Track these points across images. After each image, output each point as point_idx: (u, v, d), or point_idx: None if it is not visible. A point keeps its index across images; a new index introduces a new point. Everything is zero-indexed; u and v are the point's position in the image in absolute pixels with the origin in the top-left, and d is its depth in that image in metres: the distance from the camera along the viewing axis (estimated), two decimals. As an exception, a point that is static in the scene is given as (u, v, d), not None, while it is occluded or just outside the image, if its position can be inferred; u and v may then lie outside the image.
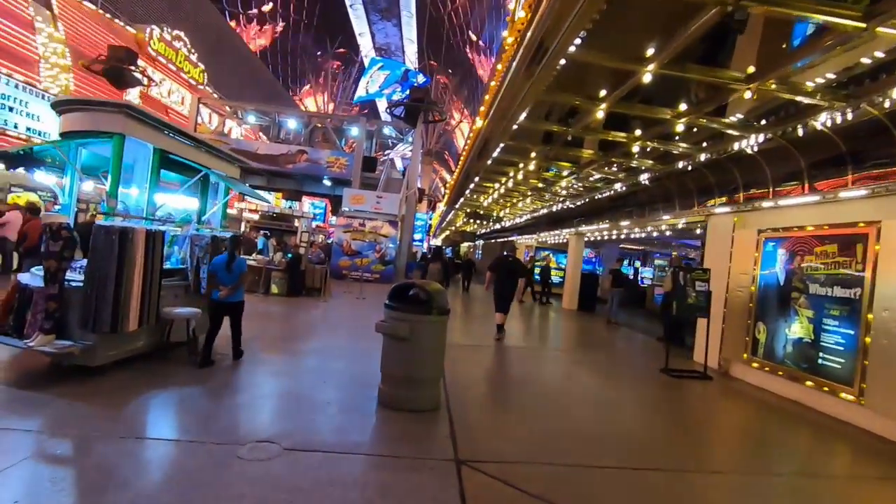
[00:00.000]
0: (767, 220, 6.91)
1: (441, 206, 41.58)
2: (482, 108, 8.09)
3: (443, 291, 5.00)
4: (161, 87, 23.51)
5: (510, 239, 23.35)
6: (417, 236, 34.34)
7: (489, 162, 9.85)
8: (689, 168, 8.25)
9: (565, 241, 17.92)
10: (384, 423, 4.28)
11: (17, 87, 13.85)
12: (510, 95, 5.76)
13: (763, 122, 6.27)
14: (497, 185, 13.16)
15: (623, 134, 7.51)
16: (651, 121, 6.85)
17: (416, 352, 4.60)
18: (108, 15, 20.78)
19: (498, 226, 21.03)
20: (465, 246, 44.65)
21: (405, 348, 4.60)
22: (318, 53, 52.95)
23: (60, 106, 4.74)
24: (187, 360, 5.38)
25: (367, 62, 56.21)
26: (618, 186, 10.43)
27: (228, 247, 5.71)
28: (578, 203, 12.94)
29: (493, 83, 6.75)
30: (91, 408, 3.90)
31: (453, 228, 29.92)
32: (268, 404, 4.59)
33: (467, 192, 13.54)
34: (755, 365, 6.84)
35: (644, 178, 9.33)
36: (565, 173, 10.65)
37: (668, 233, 10.53)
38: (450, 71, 49.17)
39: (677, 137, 7.12)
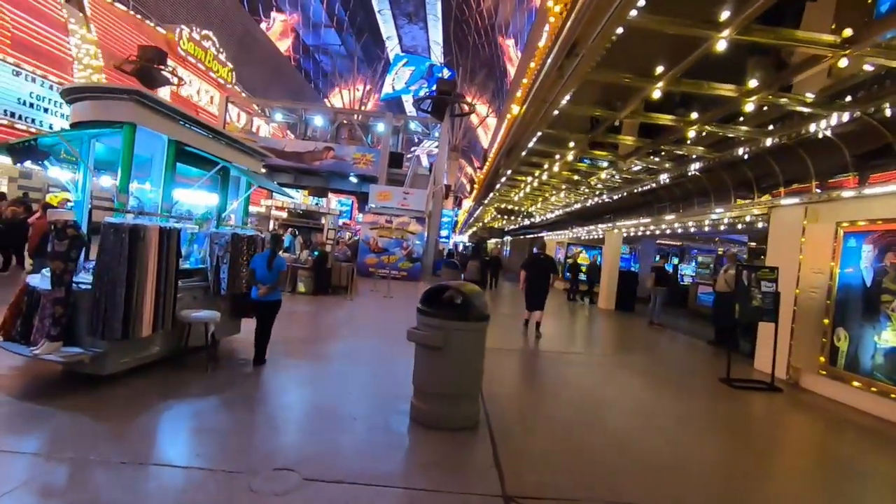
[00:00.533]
0: (849, 212, 6.04)
1: (467, 203, 41.01)
2: (518, 94, 7.47)
3: (480, 294, 4.45)
4: (191, 86, 23.74)
5: (539, 236, 22.57)
6: (444, 233, 33.90)
7: (523, 153, 9.22)
8: (746, 155, 7.42)
9: (599, 237, 17.07)
10: (418, 446, 3.76)
11: (51, 88, 14.02)
12: (553, 76, 5.15)
13: (848, 98, 5.44)
14: (529, 179, 12.49)
15: (674, 118, 6.76)
16: (711, 101, 6.09)
17: (452, 363, 4.08)
18: (138, 16, 21.05)
19: (527, 222, 20.31)
20: (492, 242, 43.94)
21: (440, 359, 4.07)
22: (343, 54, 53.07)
23: (69, 95, 4.41)
24: (205, 367, 5.01)
25: (391, 57, 56.14)
26: (663, 178, 9.62)
27: (270, 244, 5.54)
28: (616, 196, 12.15)
29: (532, 64, 6.14)
30: (96, 423, 3.54)
31: (480, 225, 29.29)
32: (288, 420, 4.15)
33: (498, 186, 12.92)
34: (834, 376, 6.01)
35: (695, 167, 8.51)
36: (604, 164, 9.90)
37: (721, 227, 9.65)
38: (476, 69, 48.42)
39: (742, 119, 6.32)
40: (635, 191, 10.98)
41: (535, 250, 9.00)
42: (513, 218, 19.77)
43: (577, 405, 5.21)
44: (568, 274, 16.39)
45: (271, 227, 24.41)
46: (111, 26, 18.53)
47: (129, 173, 4.34)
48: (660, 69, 5.10)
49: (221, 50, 27.79)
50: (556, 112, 6.30)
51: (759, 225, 9.04)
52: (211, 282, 5.58)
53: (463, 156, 58.21)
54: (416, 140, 37.41)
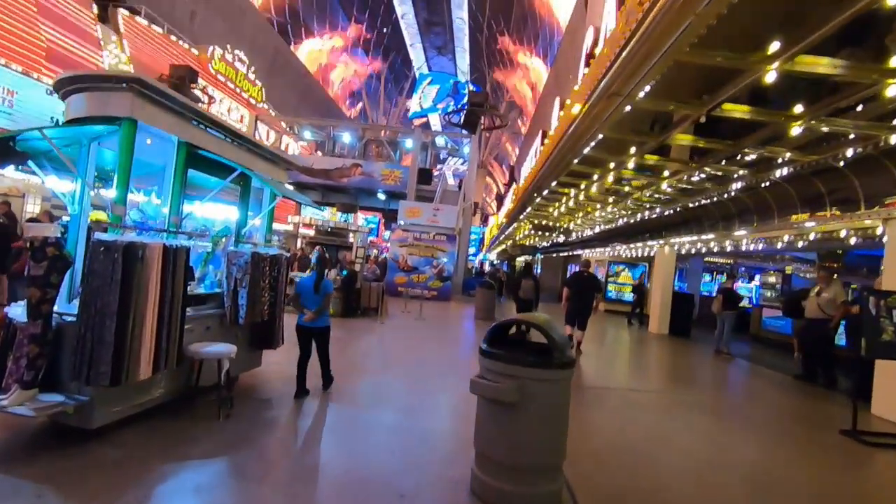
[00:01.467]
0: None
1: (496, 219, 40.00)
2: (576, 88, 6.53)
3: (560, 330, 3.44)
4: (221, 105, 23.82)
5: (576, 254, 21.33)
6: (471, 250, 32.92)
7: (575, 161, 8.24)
8: (846, 159, 6.23)
9: (642, 255, 15.78)
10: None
11: (82, 105, 13.91)
12: (640, 57, 4.19)
13: None
14: (573, 192, 11.47)
15: (769, 112, 5.65)
16: (825, 87, 4.99)
17: (530, 424, 3.06)
18: (172, 37, 21.28)
19: (562, 238, 19.14)
20: (520, 261, 42.65)
21: (513, 418, 3.07)
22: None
23: (62, 86, 3.69)
24: (217, 414, 4.13)
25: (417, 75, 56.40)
26: (736, 186, 8.42)
27: (315, 266, 5.40)
28: (669, 211, 10.97)
29: (603, 49, 5.21)
30: (64, 507, 2.66)
31: (511, 242, 28.21)
32: (315, 499, 3.18)
33: (538, 199, 11.92)
34: None
35: (782, 172, 7.32)
36: (665, 173, 8.79)
37: (800, 244, 8.38)
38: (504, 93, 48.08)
39: (860, 108, 5.18)
40: (700, 203, 9.78)
41: (578, 268, 9.10)
42: (547, 234, 18.63)
43: (683, 473, 4.07)
44: (632, 295, 15.12)
45: (298, 244, 24.00)
46: (145, 45, 18.67)
47: (126, 180, 3.56)
48: (775, 46, 4.08)
49: (252, 69, 28.05)
50: (627, 108, 5.32)
51: (853, 241, 7.74)
52: (227, 309, 4.76)
53: (489, 172, 57.50)
54: (442, 158, 36.91)
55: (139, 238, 3.57)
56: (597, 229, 14.84)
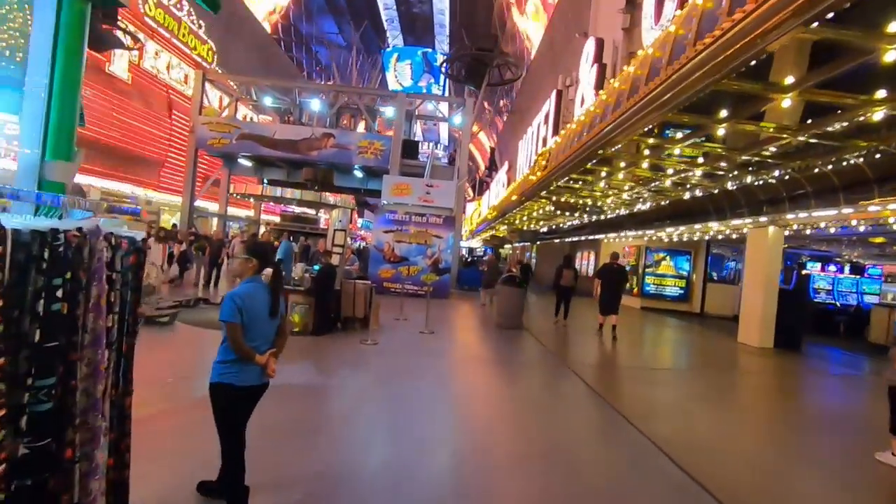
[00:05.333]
0: None
1: (477, 204, 36.74)
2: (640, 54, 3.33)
3: None
4: (158, 59, 19.46)
5: (590, 239, 18.31)
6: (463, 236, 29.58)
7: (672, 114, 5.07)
8: None
9: (688, 239, 12.86)
10: None
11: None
12: None
13: None
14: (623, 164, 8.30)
15: None
16: None
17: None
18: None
19: (581, 220, 16.04)
20: (507, 248, 39.65)
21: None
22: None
23: None
24: None
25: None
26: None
27: (271, 275, 2.60)
28: (757, 181, 7.97)
29: None
30: None
31: (504, 228, 25.03)
32: None
33: (594, 161, 8.56)
34: None
35: None
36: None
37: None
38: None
39: None
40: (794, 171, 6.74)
41: (609, 260, 9.47)
42: (568, 215, 15.47)
43: None
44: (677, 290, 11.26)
45: (261, 231, 20.10)
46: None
47: None
48: None
49: (200, 24, 23.58)
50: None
51: None
52: None
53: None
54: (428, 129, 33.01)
55: None
56: (643, 206, 11.74)
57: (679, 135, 6.56)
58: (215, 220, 22.56)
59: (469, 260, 25.78)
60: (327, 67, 50.58)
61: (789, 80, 4.49)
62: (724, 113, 5.54)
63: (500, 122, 46.17)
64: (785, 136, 5.60)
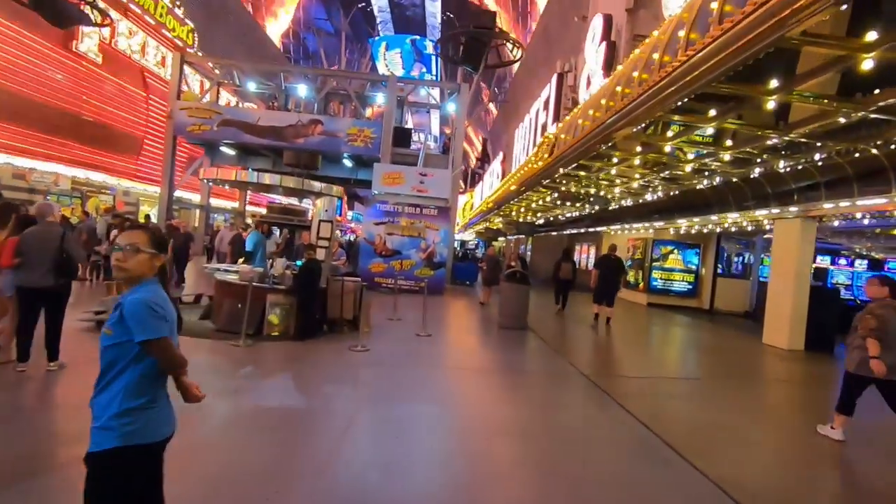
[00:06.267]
0: None
1: (469, 196, 35.86)
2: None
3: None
4: (131, 38, 18.19)
5: (590, 231, 17.57)
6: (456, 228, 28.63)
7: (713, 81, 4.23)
8: None
9: (697, 232, 12.15)
10: None
11: None
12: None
13: None
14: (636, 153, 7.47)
15: None
16: None
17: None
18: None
19: (584, 211, 15.24)
20: (500, 241, 38.89)
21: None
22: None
23: None
24: None
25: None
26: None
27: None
28: (786, 166, 7.21)
29: None
30: None
31: (500, 220, 24.26)
32: None
33: (602, 148, 7.72)
34: None
35: None
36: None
37: None
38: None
39: None
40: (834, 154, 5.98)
41: (607, 252, 9.83)
42: (569, 205, 14.66)
43: None
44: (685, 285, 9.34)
45: (248, 222, 19.01)
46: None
47: None
48: None
49: (178, 4, 22.25)
50: None
51: None
52: None
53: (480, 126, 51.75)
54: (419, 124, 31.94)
55: None
56: (652, 196, 10.97)
57: (713, 112, 5.73)
58: (198, 212, 21.40)
59: (462, 253, 24.91)
60: (315, 55, 49.14)
61: (871, 35, 3.68)
62: (774, 83, 4.73)
63: (489, 116, 45.19)
64: (847, 107, 4.80)
